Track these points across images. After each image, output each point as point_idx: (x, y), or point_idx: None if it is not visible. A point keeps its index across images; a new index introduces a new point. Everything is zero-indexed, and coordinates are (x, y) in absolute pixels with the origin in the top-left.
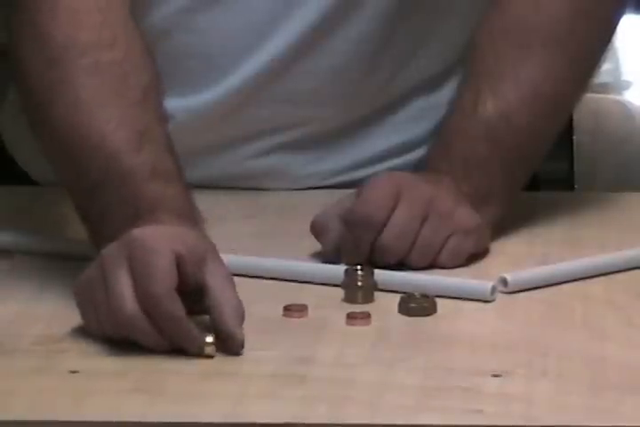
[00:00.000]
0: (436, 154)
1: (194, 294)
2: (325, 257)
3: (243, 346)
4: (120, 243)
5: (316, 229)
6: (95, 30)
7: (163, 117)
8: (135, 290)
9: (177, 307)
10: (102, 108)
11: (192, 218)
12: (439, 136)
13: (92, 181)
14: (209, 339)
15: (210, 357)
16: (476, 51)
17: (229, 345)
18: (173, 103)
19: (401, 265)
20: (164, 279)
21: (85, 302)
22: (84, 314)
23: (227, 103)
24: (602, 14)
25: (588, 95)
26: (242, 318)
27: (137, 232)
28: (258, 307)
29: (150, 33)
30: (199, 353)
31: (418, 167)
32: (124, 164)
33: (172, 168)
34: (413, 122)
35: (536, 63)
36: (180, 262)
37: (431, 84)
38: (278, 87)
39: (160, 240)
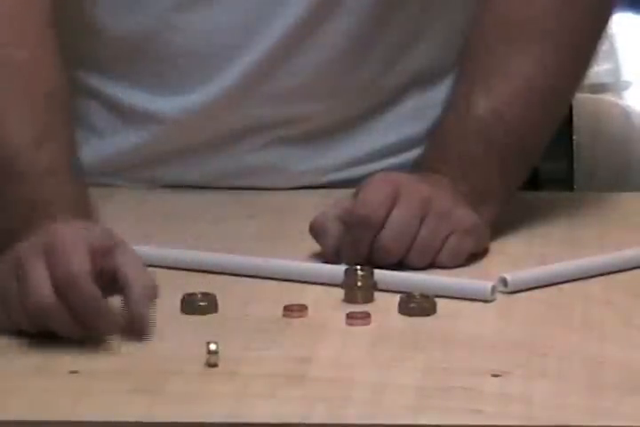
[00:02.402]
0: (432, 154)
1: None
2: (325, 258)
3: (148, 327)
4: (34, 237)
5: (315, 231)
6: (4, 28)
7: (66, 119)
8: (52, 277)
9: (94, 287)
10: (6, 106)
11: (87, 215)
12: (434, 136)
13: None
14: (212, 346)
15: (214, 366)
16: (467, 47)
17: (136, 326)
18: (166, 102)
19: (401, 265)
20: (81, 262)
21: None
22: None
23: (220, 101)
24: (593, 5)
25: (588, 96)
26: (152, 297)
27: (52, 227)
28: (258, 307)
29: (138, 32)
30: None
31: (414, 166)
32: (22, 161)
33: (68, 166)
34: (411, 120)
35: (528, 57)
36: (92, 252)
37: (428, 82)
38: (271, 84)
39: (74, 232)
